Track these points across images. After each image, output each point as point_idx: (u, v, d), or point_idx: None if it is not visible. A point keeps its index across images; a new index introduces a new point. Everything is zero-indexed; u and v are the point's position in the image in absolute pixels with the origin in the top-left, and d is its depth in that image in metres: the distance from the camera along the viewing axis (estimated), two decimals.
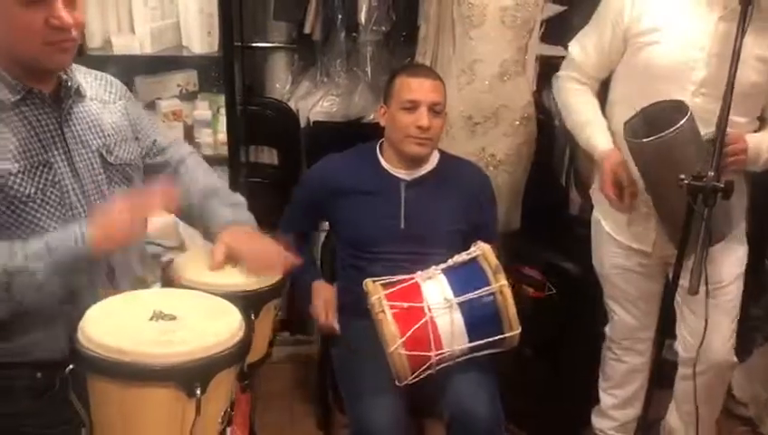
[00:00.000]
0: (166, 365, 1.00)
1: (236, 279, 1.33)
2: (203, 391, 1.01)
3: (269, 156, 2.81)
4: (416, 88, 1.95)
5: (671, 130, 1.59)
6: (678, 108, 1.67)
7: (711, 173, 1.42)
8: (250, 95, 2.67)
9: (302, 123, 2.75)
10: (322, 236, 2.43)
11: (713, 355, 1.99)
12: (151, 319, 1.10)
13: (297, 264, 1.43)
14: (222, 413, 1.11)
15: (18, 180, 1.22)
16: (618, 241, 2.08)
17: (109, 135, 1.36)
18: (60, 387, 1.28)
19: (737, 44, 1.53)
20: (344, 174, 2.06)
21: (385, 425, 1.79)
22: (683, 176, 1.44)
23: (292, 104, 2.76)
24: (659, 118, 1.68)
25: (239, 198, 1.53)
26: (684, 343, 2.07)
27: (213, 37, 2.27)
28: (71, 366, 1.06)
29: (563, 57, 2.59)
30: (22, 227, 1.24)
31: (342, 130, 2.68)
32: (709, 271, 1.83)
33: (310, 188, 2.14)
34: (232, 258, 1.36)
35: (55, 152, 1.27)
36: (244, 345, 1.10)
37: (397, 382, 1.77)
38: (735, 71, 1.53)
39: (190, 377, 1.01)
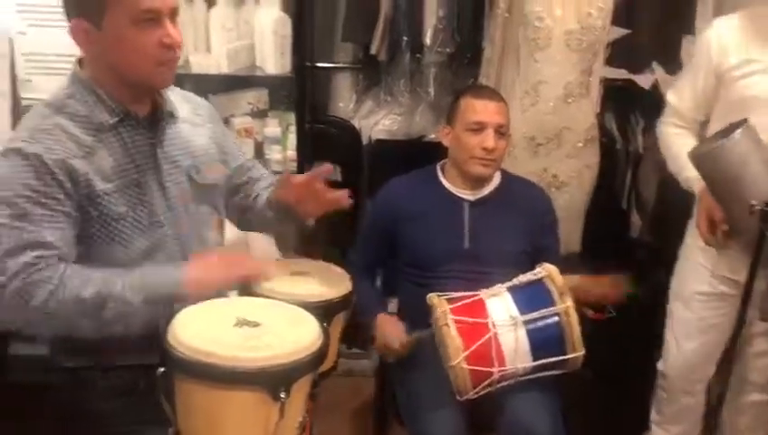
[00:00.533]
0: (253, 369, 1.06)
1: (311, 289, 1.38)
2: (287, 395, 1.06)
3: (333, 174, 2.87)
4: (481, 110, 1.99)
5: (723, 140, 1.61)
6: (740, 124, 1.67)
7: None
8: (315, 113, 2.76)
9: (365, 141, 2.83)
10: None
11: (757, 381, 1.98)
12: (236, 325, 1.16)
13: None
14: (300, 419, 1.16)
15: (112, 199, 1.30)
16: (707, 267, 2.03)
17: (197, 156, 1.44)
18: (143, 389, 1.36)
19: None
20: (408, 198, 2.10)
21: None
22: (754, 202, 1.43)
23: (355, 123, 2.85)
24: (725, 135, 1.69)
25: None
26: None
27: (285, 58, 2.37)
28: (161, 369, 1.12)
29: (627, 79, 2.62)
30: (113, 242, 1.32)
31: (403, 148, 2.76)
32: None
33: (376, 217, 2.18)
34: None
35: (147, 172, 1.35)
36: (323, 352, 1.16)
37: (458, 397, 1.79)
38: None
39: (276, 381, 1.06)
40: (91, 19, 1.25)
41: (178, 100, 1.46)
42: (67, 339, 1.35)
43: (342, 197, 1.53)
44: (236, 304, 1.26)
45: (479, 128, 1.97)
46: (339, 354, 1.52)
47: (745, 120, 1.70)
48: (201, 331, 1.13)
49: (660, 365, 2.20)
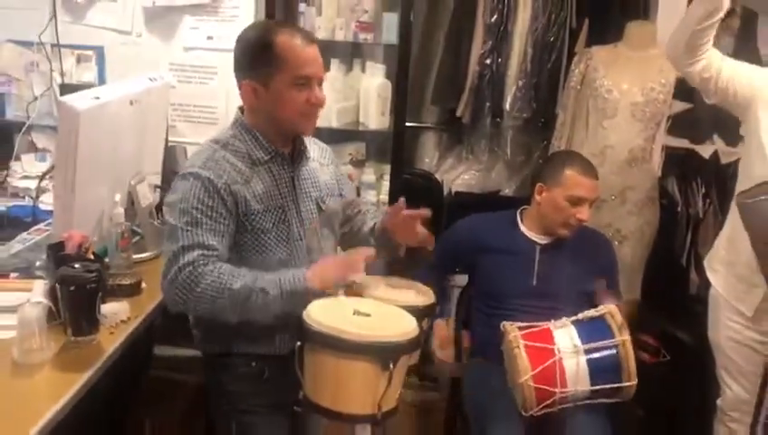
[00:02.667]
0: (372, 343, 1.40)
1: (405, 297, 1.71)
2: (394, 367, 1.38)
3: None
4: (588, 187, 2.21)
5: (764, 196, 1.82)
6: None
7: None
8: (403, 166, 3.11)
9: (446, 192, 3.14)
10: (456, 291, 2.76)
11: None
12: (353, 314, 1.50)
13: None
14: (400, 391, 1.47)
15: (262, 218, 1.64)
16: (725, 298, 2.23)
17: (323, 189, 1.78)
18: (268, 376, 1.70)
19: None
20: (488, 233, 2.36)
21: None
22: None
23: (438, 176, 3.16)
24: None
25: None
26: None
27: (385, 117, 2.75)
28: (298, 343, 1.46)
29: (688, 149, 2.85)
30: (258, 251, 1.66)
31: (480, 201, 3.02)
32: None
33: (456, 240, 2.42)
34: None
35: (288, 199, 1.70)
36: (419, 339, 1.49)
37: (522, 412, 2.01)
38: None
39: (387, 354, 1.39)
40: (261, 81, 1.62)
41: (311, 144, 1.82)
42: (214, 329, 1.70)
43: (430, 238, 1.86)
44: (351, 302, 1.60)
45: (580, 202, 2.21)
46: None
47: None
48: (329, 316, 1.47)
49: (719, 402, 2.34)
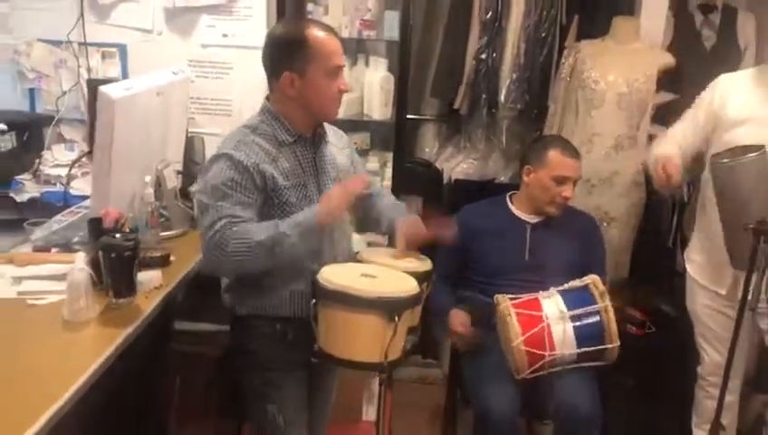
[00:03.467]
0: (379, 298, 1.61)
1: (407, 265, 1.91)
2: (399, 319, 1.59)
3: (416, 205, 3.40)
4: (570, 167, 2.42)
5: (741, 158, 1.97)
6: (758, 149, 2.01)
7: None
8: (405, 155, 3.30)
9: (445, 180, 3.33)
10: None
11: None
12: (361, 276, 1.71)
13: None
14: (404, 342, 1.68)
15: (288, 192, 1.84)
16: (702, 284, 2.43)
17: (340, 169, 1.97)
18: (291, 339, 1.89)
19: None
20: (480, 218, 2.55)
21: (505, 409, 2.21)
22: (747, 221, 1.86)
23: (438, 164, 3.35)
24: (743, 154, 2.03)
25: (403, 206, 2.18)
26: None
27: (387, 108, 2.94)
28: (313, 301, 1.67)
29: None
30: None
31: (478, 188, 3.19)
32: None
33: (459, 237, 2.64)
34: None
35: (310, 176, 1.89)
36: (420, 296, 1.72)
37: (515, 375, 2.21)
38: None
39: (392, 308, 1.61)
40: (298, 72, 1.80)
41: (329, 129, 2.01)
42: (243, 294, 1.90)
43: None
44: (359, 267, 1.81)
45: (563, 181, 2.42)
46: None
47: (763, 147, 2.00)
48: (340, 277, 1.68)
49: (699, 369, 2.53)
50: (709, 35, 3.13)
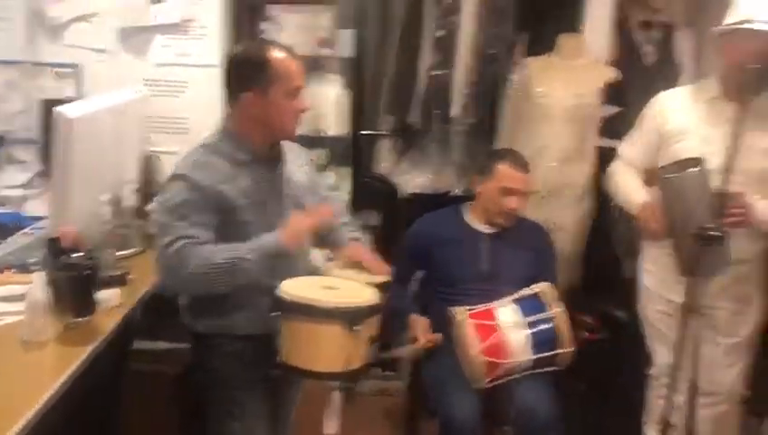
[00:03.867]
0: (339, 308, 1.65)
1: (366, 277, 1.95)
2: (359, 328, 1.62)
3: (374, 218, 3.45)
4: (517, 179, 2.49)
5: (686, 172, 2.09)
6: (699, 162, 2.13)
7: (711, 225, 1.94)
8: (362, 170, 3.36)
9: (401, 194, 3.38)
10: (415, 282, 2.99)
11: (726, 386, 2.45)
12: (323, 288, 1.74)
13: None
14: (365, 351, 1.72)
15: (245, 211, 1.86)
16: (655, 291, 2.52)
17: (300, 187, 2.01)
18: (249, 357, 1.91)
19: (736, 140, 2.03)
20: (437, 227, 2.62)
21: (467, 416, 2.26)
22: (682, 229, 1.96)
23: (393, 179, 3.38)
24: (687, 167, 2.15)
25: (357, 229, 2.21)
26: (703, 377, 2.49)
27: (343, 124, 3.00)
28: (276, 313, 1.70)
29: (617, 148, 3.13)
30: (240, 241, 1.86)
31: (433, 201, 3.22)
32: (728, 326, 2.38)
33: (411, 244, 2.67)
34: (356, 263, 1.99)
35: (268, 196, 1.92)
36: (380, 306, 1.76)
37: (474, 385, 2.27)
38: (735, 153, 2.05)
39: (352, 317, 1.65)
40: (260, 92, 1.83)
41: (288, 147, 2.04)
42: (203, 313, 1.92)
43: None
44: (320, 279, 1.85)
45: (510, 192, 2.50)
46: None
47: (704, 160, 2.12)
48: (300, 289, 1.72)
49: (650, 371, 2.60)
50: (650, 51, 3.27)
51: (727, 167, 2.06)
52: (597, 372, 2.84)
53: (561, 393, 2.48)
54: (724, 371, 2.49)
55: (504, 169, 2.52)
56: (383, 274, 1.97)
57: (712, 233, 1.95)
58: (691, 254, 2.05)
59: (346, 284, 1.82)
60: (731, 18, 2.25)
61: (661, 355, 2.55)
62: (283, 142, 2.01)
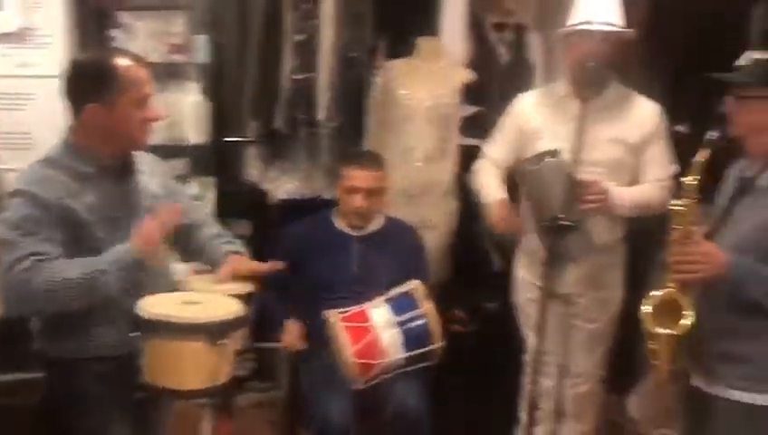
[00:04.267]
0: (204, 322, 1.59)
1: (230, 288, 1.90)
2: (223, 343, 1.57)
3: (244, 228, 3.38)
4: (359, 178, 2.53)
5: (543, 163, 2.19)
6: (555, 153, 2.25)
7: (562, 214, 2.04)
8: (230, 178, 3.28)
9: (272, 201, 3.34)
10: None
11: (587, 367, 2.60)
12: (184, 303, 1.68)
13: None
14: (230, 365, 1.67)
15: (95, 227, 1.77)
16: (525, 278, 2.66)
17: (153, 197, 1.92)
18: (113, 376, 1.80)
19: (581, 136, 2.18)
20: (307, 235, 2.63)
21: (344, 418, 2.30)
22: (542, 219, 2.06)
23: (263, 186, 3.33)
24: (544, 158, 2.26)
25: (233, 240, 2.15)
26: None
27: (203, 132, 2.91)
28: (136, 333, 1.61)
29: (479, 146, 3.25)
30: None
31: (305, 206, 3.20)
32: (588, 309, 2.50)
33: (281, 248, 2.65)
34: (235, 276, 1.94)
35: (120, 210, 1.83)
36: (245, 319, 1.71)
37: (350, 386, 2.28)
38: (581, 147, 2.18)
39: (216, 332, 1.59)
40: (106, 103, 1.74)
41: (140, 158, 1.95)
42: (57, 338, 1.80)
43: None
44: (180, 295, 1.78)
45: (353, 191, 2.54)
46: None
47: (558, 151, 2.24)
48: (160, 306, 1.64)
49: (524, 357, 2.72)
50: (503, 52, 3.41)
51: (575, 160, 2.19)
52: (471, 363, 2.92)
53: (440, 387, 2.55)
54: (587, 354, 2.65)
55: (347, 169, 2.58)
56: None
57: (563, 223, 2.04)
58: (552, 241, 2.15)
59: (208, 297, 1.76)
60: (572, 20, 2.40)
61: (532, 341, 2.67)
62: (135, 153, 1.92)
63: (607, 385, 2.83)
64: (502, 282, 3.04)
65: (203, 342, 1.59)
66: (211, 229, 2.14)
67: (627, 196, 2.44)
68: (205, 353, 1.60)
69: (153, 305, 1.65)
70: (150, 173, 1.98)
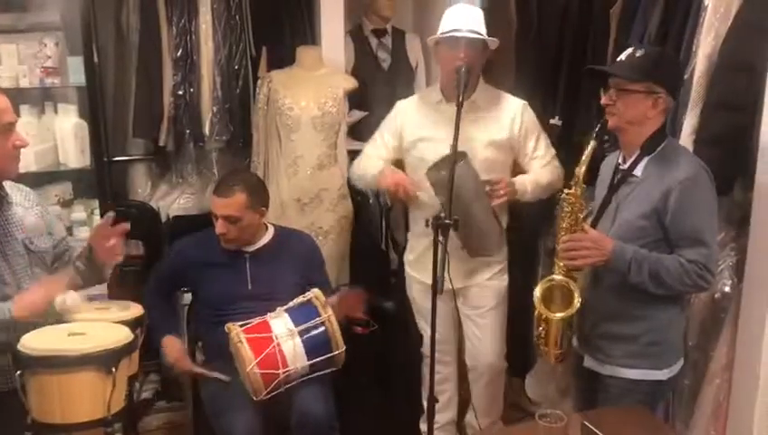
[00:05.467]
0: (93, 352, 1.57)
1: (116, 315, 1.89)
2: (116, 370, 1.56)
3: (136, 248, 3.31)
4: (215, 205, 2.53)
5: (452, 167, 2.22)
6: (463, 156, 2.36)
7: (443, 214, 2.13)
8: (118, 199, 3.21)
9: (164, 218, 3.30)
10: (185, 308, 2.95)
11: (486, 360, 2.73)
12: (69, 336, 1.65)
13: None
14: (125, 393, 1.66)
15: None
16: (412, 275, 2.75)
17: (30, 230, 1.88)
18: None
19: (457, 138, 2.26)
20: (199, 251, 2.60)
21: (247, 431, 2.28)
22: (428, 218, 2.14)
23: (153, 204, 3.30)
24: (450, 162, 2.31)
25: None
26: (468, 353, 2.77)
27: (85, 155, 2.84)
28: (18, 372, 1.58)
29: None
30: None
31: (198, 222, 3.12)
32: (476, 299, 2.63)
33: (171, 265, 2.65)
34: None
35: None
36: (135, 344, 1.71)
37: (254, 398, 2.28)
38: (456, 148, 2.27)
39: (108, 360, 1.58)
40: None
41: (12, 189, 1.91)
42: None
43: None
44: (64, 327, 1.75)
45: (215, 217, 2.53)
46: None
47: (465, 154, 2.36)
48: (45, 341, 1.62)
49: (422, 349, 2.82)
50: (385, 57, 3.51)
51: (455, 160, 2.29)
52: (375, 362, 2.98)
53: (346, 389, 2.59)
54: (484, 346, 2.77)
55: (212, 196, 2.58)
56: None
57: (444, 221, 2.13)
58: (474, 239, 2.31)
59: (93, 326, 1.74)
60: (442, 28, 2.51)
61: (428, 332, 2.76)
62: (6, 184, 1.87)
63: (508, 369, 2.97)
64: (399, 280, 3.14)
65: (96, 371, 1.57)
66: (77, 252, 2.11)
67: (528, 183, 2.60)
68: (98, 383, 1.58)
69: (37, 341, 1.62)
70: (25, 204, 1.93)
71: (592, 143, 2.10)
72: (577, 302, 2.12)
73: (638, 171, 2.08)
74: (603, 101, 2.10)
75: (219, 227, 2.51)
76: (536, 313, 2.22)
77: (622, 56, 2.09)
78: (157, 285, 2.65)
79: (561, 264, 2.14)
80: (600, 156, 2.28)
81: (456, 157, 2.28)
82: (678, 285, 2.00)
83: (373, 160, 2.71)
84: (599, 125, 2.11)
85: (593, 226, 2.14)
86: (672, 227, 2.01)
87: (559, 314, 2.16)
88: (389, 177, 2.56)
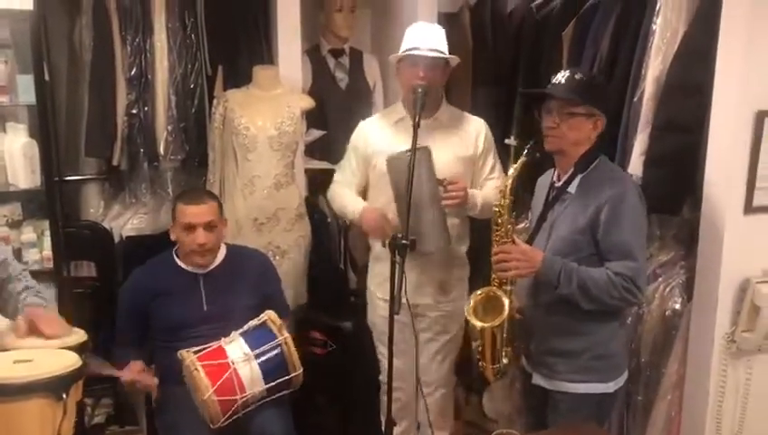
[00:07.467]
0: (42, 379, 1.53)
1: (61, 341, 1.84)
2: (66, 396, 1.53)
3: (88, 269, 3.23)
4: (192, 214, 2.47)
5: (408, 154, 2.26)
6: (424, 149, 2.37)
7: (399, 235, 2.15)
8: (69, 219, 3.14)
9: (117, 239, 3.23)
10: None
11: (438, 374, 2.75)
12: (15, 363, 1.61)
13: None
14: (75, 419, 1.62)
15: None
16: (377, 296, 2.74)
17: None
18: None
19: (414, 155, 2.26)
20: (151, 281, 2.54)
21: None
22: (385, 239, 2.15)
23: (105, 224, 3.24)
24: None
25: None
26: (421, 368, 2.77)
27: (36, 175, 2.76)
28: None
29: (326, 169, 3.33)
30: None
31: (152, 242, 3.11)
32: (435, 325, 2.66)
33: (127, 300, 2.58)
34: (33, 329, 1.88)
35: None
36: (84, 369, 1.67)
37: (211, 425, 2.25)
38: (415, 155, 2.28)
39: (58, 386, 1.54)
40: None
41: None
42: None
43: None
44: (9, 355, 1.70)
45: (191, 228, 2.48)
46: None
47: (429, 149, 2.37)
48: None
49: (381, 377, 2.81)
50: (342, 77, 3.53)
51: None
52: (331, 383, 2.97)
53: (304, 410, 2.56)
54: (438, 365, 2.80)
55: (180, 207, 2.52)
56: (57, 336, 1.87)
57: (401, 241, 2.14)
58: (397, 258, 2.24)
59: (38, 353, 1.70)
60: (403, 46, 2.54)
61: (386, 359, 2.75)
62: None
63: (465, 387, 2.98)
64: (358, 300, 3.13)
65: (46, 398, 1.53)
66: (20, 284, 2.08)
67: (479, 196, 2.62)
68: (49, 410, 1.54)
69: None
70: None
71: (522, 159, 2.15)
72: (505, 313, 2.14)
73: (571, 188, 2.15)
74: (548, 124, 2.14)
75: (201, 237, 2.47)
76: (471, 324, 2.24)
77: (560, 79, 2.13)
78: (124, 326, 2.58)
79: (493, 276, 2.17)
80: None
81: (419, 151, 2.30)
82: (606, 297, 2.05)
83: (347, 192, 2.73)
84: (531, 143, 2.17)
85: (529, 242, 2.19)
86: (602, 240, 2.06)
87: (487, 324, 2.17)
88: (372, 220, 2.58)
